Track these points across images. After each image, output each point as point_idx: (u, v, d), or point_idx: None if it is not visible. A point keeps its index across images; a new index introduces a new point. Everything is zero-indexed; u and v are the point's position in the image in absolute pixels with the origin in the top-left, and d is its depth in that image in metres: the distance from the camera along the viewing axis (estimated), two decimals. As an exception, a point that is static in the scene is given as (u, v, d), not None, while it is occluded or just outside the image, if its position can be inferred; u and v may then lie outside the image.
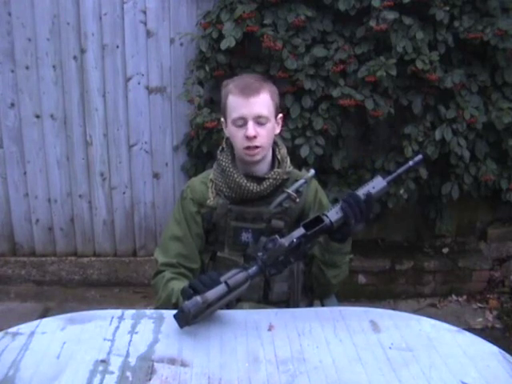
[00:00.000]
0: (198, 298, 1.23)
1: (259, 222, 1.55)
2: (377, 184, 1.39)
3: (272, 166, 1.58)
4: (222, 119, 1.58)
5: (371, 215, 1.37)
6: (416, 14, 2.76)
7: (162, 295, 1.52)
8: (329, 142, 2.89)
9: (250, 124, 1.47)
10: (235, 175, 1.53)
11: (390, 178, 1.42)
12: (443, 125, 2.86)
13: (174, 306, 1.42)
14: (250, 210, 1.55)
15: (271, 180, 1.54)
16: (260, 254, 1.31)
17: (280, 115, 1.58)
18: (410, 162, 1.42)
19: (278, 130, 1.58)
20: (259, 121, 1.48)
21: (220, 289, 1.26)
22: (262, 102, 1.49)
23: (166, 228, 1.67)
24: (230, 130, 1.53)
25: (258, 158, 1.52)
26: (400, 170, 1.43)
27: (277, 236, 1.32)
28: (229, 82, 1.55)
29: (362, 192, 1.37)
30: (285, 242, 1.30)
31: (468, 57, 2.92)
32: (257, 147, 1.49)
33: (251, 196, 1.54)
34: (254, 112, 1.47)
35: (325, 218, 1.35)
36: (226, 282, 1.27)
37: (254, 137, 1.47)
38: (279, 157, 1.59)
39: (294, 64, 2.75)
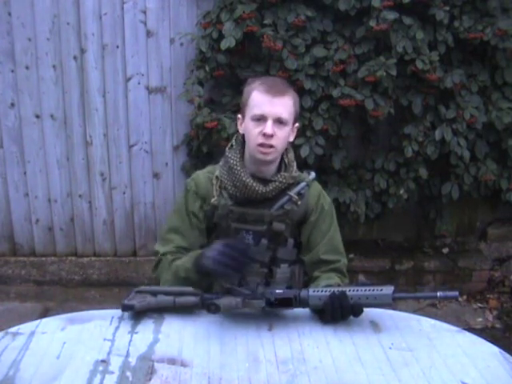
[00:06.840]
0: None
1: (260, 224, 1.54)
2: (381, 297, 1.29)
3: (279, 170, 1.58)
4: (239, 115, 1.58)
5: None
6: (416, 14, 2.76)
7: (167, 278, 1.52)
8: (329, 141, 2.89)
9: (269, 122, 1.48)
10: (242, 174, 1.53)
11: (400, 296, 1.35)
12: (443, 125, 2.85)
13: (184, 281, 1.44)
14: (251, 212, 1.54)
15: (277, 183, 1.54)
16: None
17: (297, 124, 1.58)
18: (424, 293, 1.40)
19: (291, 138, 1.58)
20: (279, 122, 1.49)
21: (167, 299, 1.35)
22: (285, 105, 1.50)
23: (167, 219, 1.66)
24: (247, 126, 1.52)
25: (269, 158, 1.51)
26: (414, 295, 1.38)
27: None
28: (255, 80, 1.56)
29: (357, 296, 1.29)
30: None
31: (468, 57, 2.92)
32: (271, 146, 1.49)
33: (256, 197, 1.53)
34: (276, 112, 1.48)
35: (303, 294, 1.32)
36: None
37: (271, 135, 1.47)
38: (286, 161, 1.59)
39: (294, 64, 2.75)
